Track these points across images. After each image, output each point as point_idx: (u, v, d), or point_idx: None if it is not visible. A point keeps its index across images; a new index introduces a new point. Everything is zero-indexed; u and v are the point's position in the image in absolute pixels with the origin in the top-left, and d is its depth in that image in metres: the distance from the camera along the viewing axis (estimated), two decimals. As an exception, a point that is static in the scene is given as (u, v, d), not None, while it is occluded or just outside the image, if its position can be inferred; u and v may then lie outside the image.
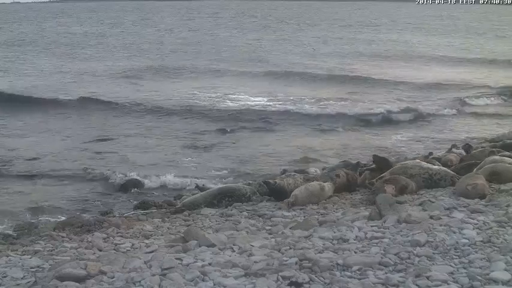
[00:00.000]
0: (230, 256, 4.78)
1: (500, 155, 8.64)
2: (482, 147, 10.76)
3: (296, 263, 4.34)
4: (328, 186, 8.00)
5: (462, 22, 72.03)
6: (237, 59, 32.94)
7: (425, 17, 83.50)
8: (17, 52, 36.70)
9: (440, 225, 5.11)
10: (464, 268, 4.08)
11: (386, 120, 17.54)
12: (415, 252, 4.45)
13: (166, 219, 7.74)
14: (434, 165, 8.49)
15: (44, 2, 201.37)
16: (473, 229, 4.96)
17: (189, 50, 38.23)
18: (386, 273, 4.10)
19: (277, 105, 19.62)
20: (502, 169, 7.52)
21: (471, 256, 4.29)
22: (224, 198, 8.25)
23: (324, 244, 4.94)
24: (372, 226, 5.44)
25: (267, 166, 12.27)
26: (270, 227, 6.39)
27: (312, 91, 22.39)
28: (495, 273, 3.90)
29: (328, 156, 13.01)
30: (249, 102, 20.21)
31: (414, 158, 9.98)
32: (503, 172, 7.44)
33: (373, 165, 9.01)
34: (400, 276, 3.99)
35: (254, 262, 4.48)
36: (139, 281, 4.18)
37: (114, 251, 5.84)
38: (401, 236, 4.94)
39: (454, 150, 10.64)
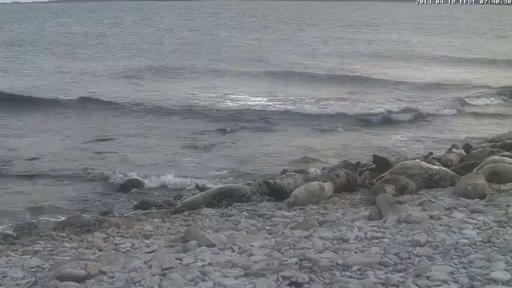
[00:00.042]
0: (230, 256, 4.78)
1: (500, 155, 8.64)
2: (482, 147, 10.76)
3: (296, 263, 4.34)
4: (328, 186, 8.00)
5: (462, 22, 72.02)
6: (237, 59, 32.91)
7: (425, 17, 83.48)
8: (17, 52, 36.68)
9: (440, 225, 5.11)
10: (464, 268, 4.08)
11: (386, 120, 17.54)
12: (415, 252, 4.45)
13: (166, 219, 7.74)
14: (434, 165, 8.49)
15: (44, 2, 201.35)
16: (473, 229, 4.96)
17: (189, 50, 38.20)
18: (386, 273, 4.10)
19: (277, 105, 19.61)
20: (502, 169, 7.52)
21: (471, 256, 4.29)
22: (224, 198, 8.25)
23: (324, 244, 4.94)
24: (372, 226, 5.44)
25: (267, 166, 12.27)
26: (270, 227, 6.39)
27: (312, 91, 22.39)
28: (495, 273, 3.90)
29: (328, 156, 13.01)
30: (249, 102, 20.21)
31: (414, 158, 9.98)
32: (503, 172, 7.44)
33: (373, 165, 9.01)
34: (400, 276, 3.99)
35: (254, 262, 4.47)
36: (139, 281, 4.18)
37: (114, 251, 5.84)
38: (401, 236, 4.94)
39: (454, 150, 10.64)
